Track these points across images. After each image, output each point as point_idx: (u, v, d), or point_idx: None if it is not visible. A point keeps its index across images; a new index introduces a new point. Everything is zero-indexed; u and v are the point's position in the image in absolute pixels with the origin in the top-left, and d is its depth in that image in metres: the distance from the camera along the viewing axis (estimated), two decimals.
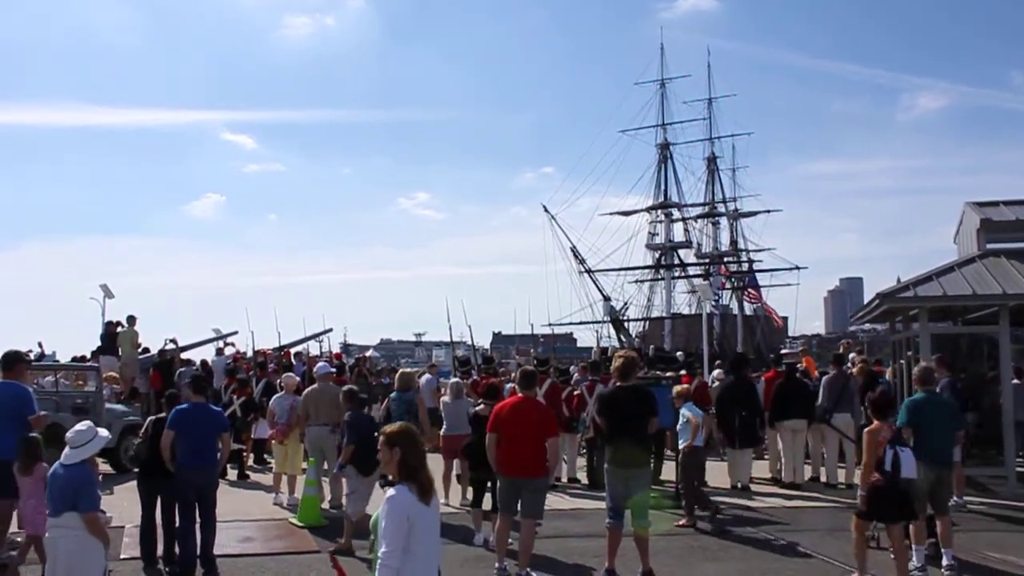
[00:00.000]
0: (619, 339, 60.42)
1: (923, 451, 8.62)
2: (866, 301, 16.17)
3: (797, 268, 66.98)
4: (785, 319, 71.90)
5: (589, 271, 63.09)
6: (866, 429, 8.60)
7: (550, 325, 58.70)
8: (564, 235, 62.31)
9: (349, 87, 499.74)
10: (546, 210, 62.37)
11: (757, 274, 67.05)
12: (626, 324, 64.82)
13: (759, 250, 69.78)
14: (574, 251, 62.67)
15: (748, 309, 69.24)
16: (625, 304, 64.16)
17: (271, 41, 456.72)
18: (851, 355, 16.80)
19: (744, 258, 70.67)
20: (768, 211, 71.83)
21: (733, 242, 71.29)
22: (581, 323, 63.52)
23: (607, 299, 63.00)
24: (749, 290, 64.32)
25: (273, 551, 9.44)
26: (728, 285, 69.13)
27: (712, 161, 70.70)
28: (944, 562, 8.50)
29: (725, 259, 70.34)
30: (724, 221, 71.49)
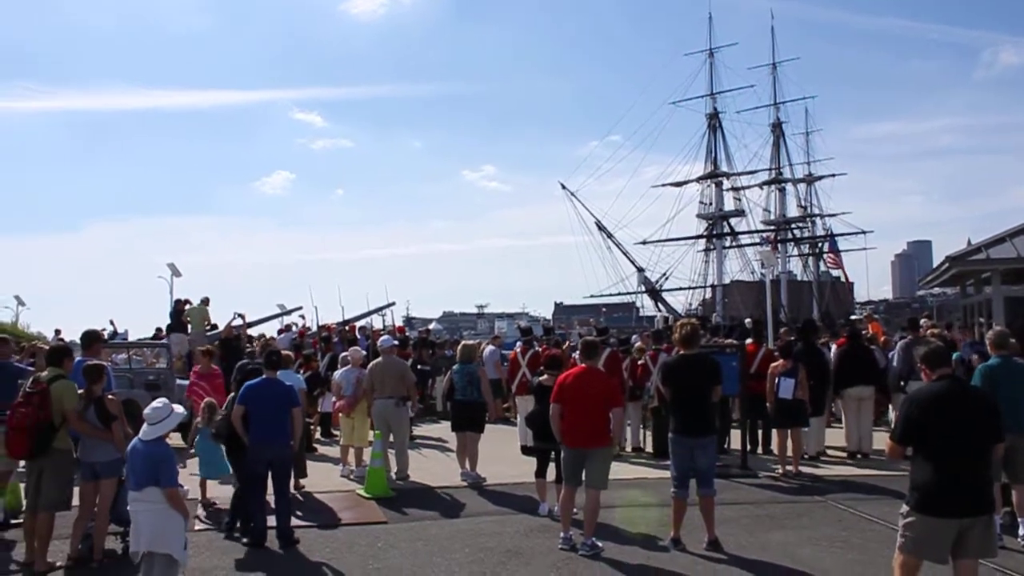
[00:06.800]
0: (656, 309, 60.21)
1: None
2: (935, 265, 15.79)
3: (863, 232, 65.76)
4: (852, 284, 70.79)
5: (618, 244, 62.61)
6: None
7: (592, 296, 58.60)
8: (587, 210, 61.89)
9: (418, 62, 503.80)
10: (563, 187, 61.99)
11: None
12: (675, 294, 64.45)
13: (832, 215, 68.63)
14: (599, 225, 62.18)
15: (811, 275, 68.32)
16: (664, 275, 63.51)
17: (339, 17, 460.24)
18: (921, 321, 16.44)
19: (815, 223, 69.66)
20: (833, 175, 70.66)
21: (802, 207, 70.05)
22: (618, 294, 63.35)
23: (641, 271, 62.51)
24: (829, 254, 63.18)
25: (342, 522, 9.63)
26: (796, 251, 68.21)
27: (777, 127, 69.45)
28: (1021, 532, 8.29)
29: (793, 225, 69.27)
30: (790, 187, 70.29)
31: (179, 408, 6.87)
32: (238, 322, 20.62)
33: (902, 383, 13.27)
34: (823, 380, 13.38)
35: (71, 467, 8.02)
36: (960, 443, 5.47)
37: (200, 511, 9.86)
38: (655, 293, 63.10)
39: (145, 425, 6.60)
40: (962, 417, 5.53)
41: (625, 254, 63.11)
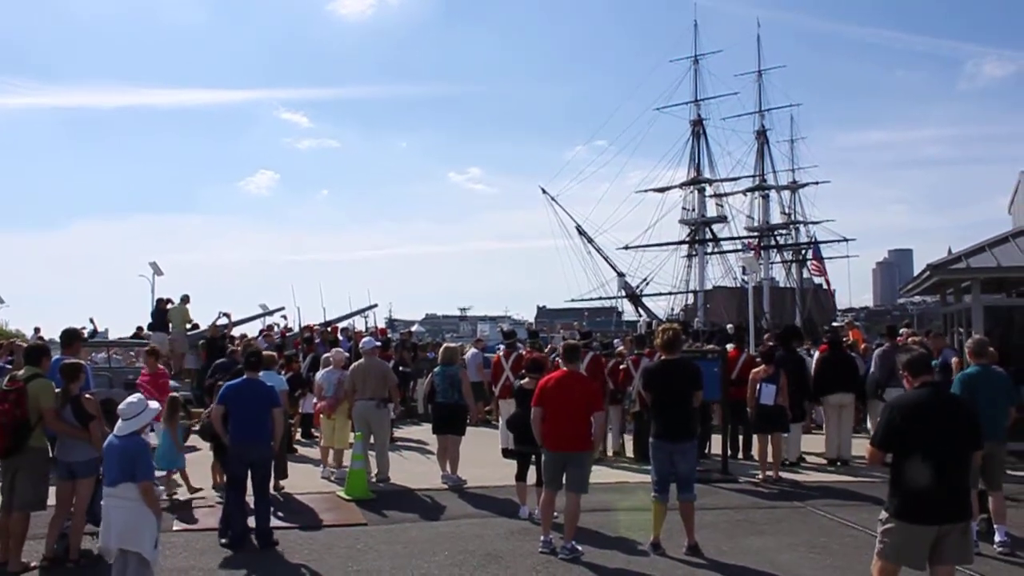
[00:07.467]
0: (637, 314, 60.40)
1: None
2: (916, 273, 15.90)
3: (845, 240, 66.20)
4: (833, 292, 71.20)
5: (598, 249, 62.70)
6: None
7: (573, 300, 58.45)
8: (567, 215, 61.97)
9: (405, 63, 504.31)
10: (544, 192, 61.99)
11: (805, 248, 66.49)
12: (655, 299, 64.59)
13: (815, 222, 69.00)
14: (580, 230, 62.27)
15: (794, 281, 68.68)
16: (645, 280, 63.63)
17: (327, 17, 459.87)
18: (901, 330, 16.53)
19: (799, 230, 70.07)
20: (817, 183, 71.08)
21: (786, 214, 70.38)
22: (599, 299, 63.42)
23: (621, 275, 62.60)
24: (812, 261, 63.49)
25: (322, 524, 9.58)
26: (779, 258, 68.54)
27: (762, 134, 69.73)
28: (997, 538, 8.37)
29: (776, 232, 69.60)
30: (773, 194, 70.57)
31: (154, 404, 6.85)
32: (223, 321, 20.52)
33: (879, 390, 13.33)
34: (804, 386, 13.45)
35: (47, 466, 7.95)
36: (941, 450, 5.51)
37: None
38: (635, 298, 63.20)
39: (120, 421, 6.56)
40: (944, 425, 5.58)
41: (606, 259, 63.25)
